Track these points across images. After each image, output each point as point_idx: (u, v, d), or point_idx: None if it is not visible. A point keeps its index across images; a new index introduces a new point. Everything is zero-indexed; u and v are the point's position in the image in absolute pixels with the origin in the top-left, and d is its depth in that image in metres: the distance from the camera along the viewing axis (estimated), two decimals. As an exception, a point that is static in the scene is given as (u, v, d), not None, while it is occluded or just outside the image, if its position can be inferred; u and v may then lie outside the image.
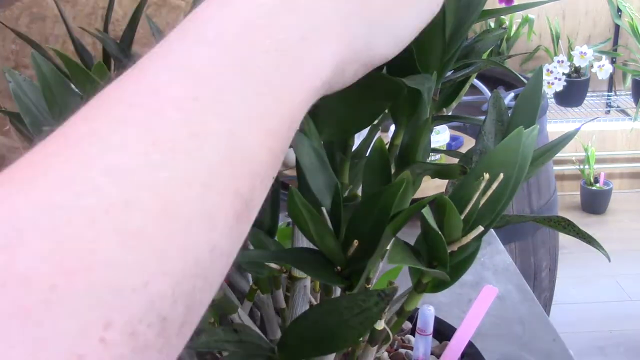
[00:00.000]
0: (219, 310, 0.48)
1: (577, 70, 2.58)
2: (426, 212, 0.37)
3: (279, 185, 0.48)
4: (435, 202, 0.38)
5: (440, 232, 0.37)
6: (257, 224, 0.47)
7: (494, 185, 0.37)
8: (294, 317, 0.48)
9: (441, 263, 0.39)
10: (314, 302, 0.53)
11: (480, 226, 0.38)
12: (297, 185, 0.45)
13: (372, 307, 0.37)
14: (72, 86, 0.44)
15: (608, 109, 2.83)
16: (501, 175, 0.37)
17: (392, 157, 0.49)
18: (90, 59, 0.64)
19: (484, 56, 0.54)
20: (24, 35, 0.71)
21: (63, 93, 0.44)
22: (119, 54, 0.50)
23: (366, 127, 0.45)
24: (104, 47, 0.59)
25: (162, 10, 1.78)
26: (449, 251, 0.39)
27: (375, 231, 0.36)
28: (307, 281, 0.50)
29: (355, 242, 0.37)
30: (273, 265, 0.44)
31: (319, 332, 0.38)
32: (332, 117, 0.41)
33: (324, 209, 0.38)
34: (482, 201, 0.38)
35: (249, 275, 0.55)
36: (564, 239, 1.81)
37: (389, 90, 0.39)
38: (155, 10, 1.77)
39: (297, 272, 0.49)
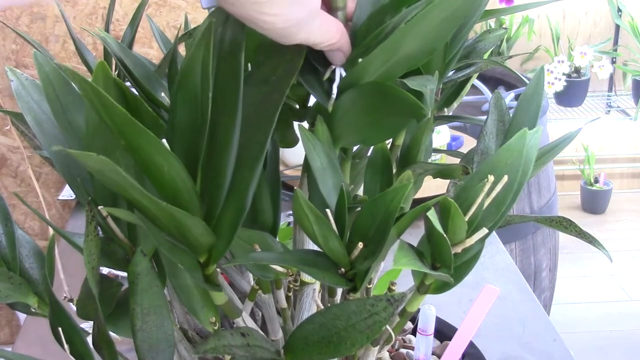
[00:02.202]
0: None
1: (577, 70, 2.58)
2: (431, 214, 0.37)
3: (280, 185, 0.47)
4: (440, 204, 0.38)
5: (444, 234, 0.37)
6: (259, 224, 0.46)
7: (498, 187, 0.37)
8: (301, 321, 0.47)
9: (445, 265, 0.39)
10: (321, 306, 0.52)
11: (484, 228, 0.38)
12: (300, 185, 0.45)
13: (381, 311, 0.37)
14: (74, 86, 0.44)
15: (608, 109, 2.83)
16: (505, 177, 0.36)
17: (394, 157, 0.49)
18: (91, 59, 0.64)
19: (485, 56, 0.54)
20: (25, 35, 0.70)
21: (65, 92, 0.44)
22: (120, 54, 0.50)
23: (386, 140, 0.45)
24: (105, 46, 0.59)
25: (163, 10, 1.78)
26: (453, 253, 0.39)
27: (379, 233, 0.36)
28: (317, 285, 0.50)
29: (361, 245, 0.37)
30: (279, 268, 0.44)
31: (326, 335, 0.38)
32: (353, 127, 0.41)
33: (328, 211, 0.38)
34: (487, 203, 0.38)
35: (250, 276, 0.55)
36: (564, 239, 1.81)
37: (411, 108, 0.39)
38: (156, 10, 1.76)
39: (306, 277, 0.49)
